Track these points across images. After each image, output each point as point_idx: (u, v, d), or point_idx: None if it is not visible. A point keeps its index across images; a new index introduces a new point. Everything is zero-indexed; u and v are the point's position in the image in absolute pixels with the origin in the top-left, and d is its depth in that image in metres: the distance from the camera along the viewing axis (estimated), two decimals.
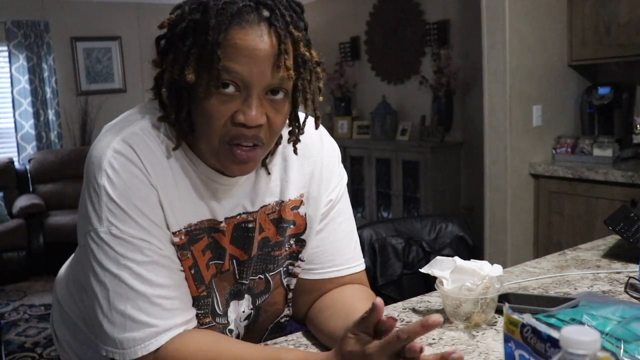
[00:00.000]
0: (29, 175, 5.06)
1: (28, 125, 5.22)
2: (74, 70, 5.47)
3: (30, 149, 5.24)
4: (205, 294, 0.96)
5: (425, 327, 0.71)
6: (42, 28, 5.15)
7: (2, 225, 4.42)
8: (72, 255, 1.15)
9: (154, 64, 0.89)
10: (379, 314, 0.76)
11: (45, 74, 5.22)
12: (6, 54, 5.10)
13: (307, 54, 0.87)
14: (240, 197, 0.98)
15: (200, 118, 0.85)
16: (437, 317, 0.71)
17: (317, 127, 0.98)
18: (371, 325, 0.77)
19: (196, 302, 0.95)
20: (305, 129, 0.99)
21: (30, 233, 4.47)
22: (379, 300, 0.75)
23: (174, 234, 0.90)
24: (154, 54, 0.90)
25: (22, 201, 4.64)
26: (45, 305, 3.86)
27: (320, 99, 0.94)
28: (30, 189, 5.06)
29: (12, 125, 5.21)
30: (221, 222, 0.96)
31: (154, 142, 0.88)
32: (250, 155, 0.87)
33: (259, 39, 0.81)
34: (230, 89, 0.83)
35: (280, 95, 0.86)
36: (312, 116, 0.95)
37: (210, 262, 0.96)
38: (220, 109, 0.83)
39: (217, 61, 0.80)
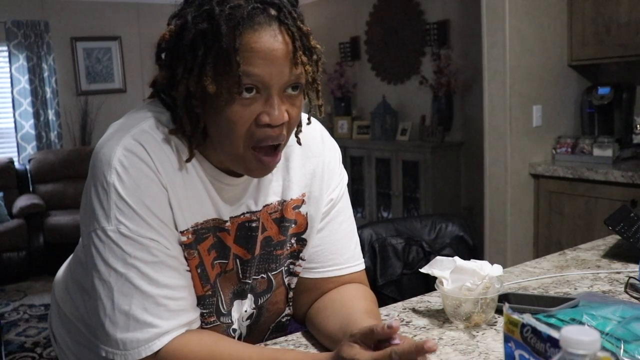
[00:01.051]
0: (29, 175, 5.06)
1: (28, 125, 5.22)
2: (74, 70, 5.47)
3: (30, 149, 5.24)
4: (210, 293, 0.96)
5: (420, 352, 0.72)
6: (42, 28, 5.15)
7: (2, 225, 4.42)
8: (71, 256, 1.14)
9: (161, 77, 0.88)
10: (389, 335, 0.76)
11: (45, 74, 5.22)
12: (6, 54, 5.10)
13: (318, 46, 0.89)
14: (245, 196, 0.98)
15: (221, 125, 0.85)
16: (433, 344, 0.72)
17: (321, 113, 0.99)
18: (373, 340, 0.78)
19: (201, 301, 0.95)
20: (307, 129, 0.99)
21: (30, 233, 4.47)
22: (396, 324, 0.76)
23: (181, 233, 0.90)
24: (154, 58, 0.89)
25: (22, 201, 4.64)
26: (45, 305, 3.86)
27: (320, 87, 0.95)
28: (30, 189, 5.05)
29: (12, 125, 5.20)
30: (226, 221, 0.96)
31: (163, 140, 0.88)
32: (275, 160, 0.89)
33: (273, 40, 0.81)
34: (252, 93, 0.83)
35: (297, 91, 0.87)
36: (318, 105, 0.95)
37: (215, 262, 0.96)
38: (244, 113, 0.83)
39: (237, 67, 0.79)
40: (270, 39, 0.81)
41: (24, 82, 5.14)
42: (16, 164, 5.07)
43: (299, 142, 0.99)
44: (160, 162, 0.87)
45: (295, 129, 0.97)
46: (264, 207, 1.00)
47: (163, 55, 0.88)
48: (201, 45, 0.81)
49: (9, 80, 5.13)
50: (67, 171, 5.02)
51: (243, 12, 0.80)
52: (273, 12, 0.82)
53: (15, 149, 5.26)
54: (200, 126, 0.86)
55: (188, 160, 0.89)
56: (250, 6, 0.81)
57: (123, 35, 5.61)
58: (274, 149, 0.88)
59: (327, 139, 1.08)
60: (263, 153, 0.87)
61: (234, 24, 0.80)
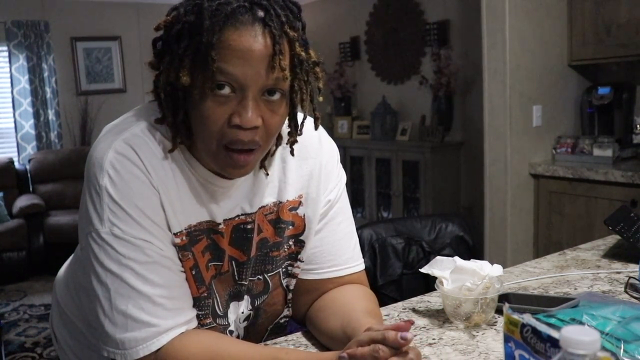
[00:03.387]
0: (29, 175, 5.06)
1: (28, 125, 5.21)
2: (74, 70, 5.46)
3: (30, 149, 5.24)
4: (205, 294, 0.96)
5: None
6: (42, 28, 5.15)
7: (2, 225, 4.42)
8: (71, 256, 1.15)
9: (151, 66, 0.88)
10: (401, 345, 0.77)
11: (45, 74, 5.22)
12: (6, 54, 5.10)
13: (303, 54, 0.87)
14: (239, 198, 0.98)
15: (196, 120, 0.85)
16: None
17: (316, 127, 0.98)
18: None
19: (197, 302, 0.95)
20: (304, 130, 0.99)
21: (30, 233, 4.47)
22: (410, 337, 0.77)
23: (175, 234, 0.90)
24: (152, 56, 0.90)
25: (22, 201, 4.63)
26: (45, 305, 3.86)
27: (320, 99, 0.94)
28: (30, 189, 5.05)
29: (12, 125, 5.20)
30: (220, 223, 0.96)
31: (154, 143, 0.88)
32: (248, 159, 0.87)
33: (253, 40, 0.81)
34: (226, 90, 0.82)
35: (276, 96, 0.85)
36: (310, 117, 0.95)
37: (210, 264, 0.96)
38: (216, 110, 0.83)
39: (212, 63, 0.80)
40: (250, 39, 0.81)
41: (24, 82, 5.14)
42: (16, 164, 5.07)
43: (292, 153, 0.98)
44: (152, 164, 0.87)
45: (289, 138, 0.96)
46: (259, 208, 1.00)
47: (158, 45, 0.88)
48: (185, 37, 0.82)
49: (9, 80, 5.13)
50: (67, 171, 5.02)
51: (228, 8, 0.80)
52: (260, 13, 0.82)
53: (15, 149, 5.26)
54: (180, 116, 0.86)
55: (171, 151, 0.89)
56: (236, 4, 0.81)
57: (123, 35, 5.61)
58: (248, 149, 0.86)
59: (325, 140, 1.07)
60: (236, 152, 0.86)
61: (216, 20, 0.80)
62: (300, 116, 0.96)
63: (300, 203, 1.03)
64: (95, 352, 1.03)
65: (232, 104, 0.83)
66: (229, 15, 0.80)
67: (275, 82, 0.84)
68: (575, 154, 3.09)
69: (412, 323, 0.79)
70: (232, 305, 1.03)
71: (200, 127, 0.85)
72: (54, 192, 5.00)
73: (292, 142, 0.97)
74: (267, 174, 1.00)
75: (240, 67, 0.81)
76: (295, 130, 0.96)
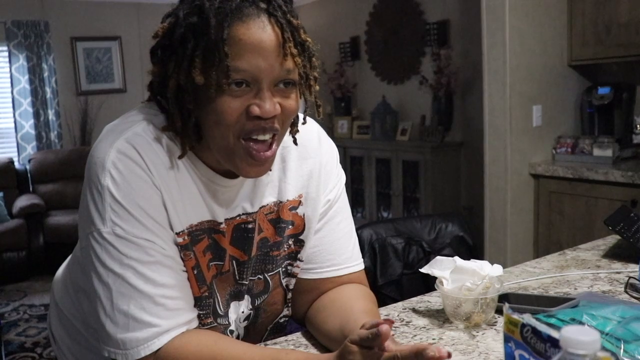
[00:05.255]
0: (29, 175, 5.06)
1: (28, 125, 5.21)
2: (74, 70, 5.47)
3: (30, 149, 5.24)
4: (207, 294, 0.96)
5: (419, 357, 0.73)
6: (42, 28, 5.15)
7: (2, 225, 4.42)
8: (69, 257, 1.14)
9: (153, 75, 0.88)
10: (383, 339, 0.76)
11: (45, 74, 5.22)
12: (6, 54, 5.10)
13: (307, 40, 0.89)
14: (240, 198, 0.98)
15: (211, 118, 0.85)
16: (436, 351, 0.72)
17: (319, 115, 0.98)
18: (374, 342, 0.78)
19: (198, 302, 0.95)
20: (304, 130, 0.99)
21: (30, 233, 4.47)
22: (385, 328, 0.75)
23: (177, 234, 0.90)
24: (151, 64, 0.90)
25: (22, 201, 4.63)
26: (45, 305, 3.86)
27: (317, 87, 0.94)
28: (30, 189, 5.05)
29: (12, 125, 5.20)
30: (221, 223, 0.96)
31: (156, 143, 0.88)
32: (268, 156, 0.88)
33: (261, 31, 0.82)
34: (241, 86, 0.83)
35: (290, 85, 0.87)
36: (314, 104, 0.95)
37: (211, 263, 0.96)
38: (233, 104, 0.83)
39: (225, 58, 0.80)
40: (259, 31, 0.82)
41: (24, 82, 5.14)
42: (16, 164, 5.07)
43: (295, 143, 0.99)
44: (153, 164, 0.87)
45: (291, 128, 0.96)
46: (260, 208, 1.00)
47: (158, 52, 0.88)
48: (191, 39, 0.82)
49: (9, 80, 5.13)
50: (67, 171, 5.03)
51: (232, 4, 0.81)
52: (262, 4, 0.83)
53: (15, 149, 5.26)
54: (191, 122, 0.86)
55: (181, 157, 0.89)
56: None
57: (123, 35, 5.61)
58: (267, 144, 0.87)
59: (324, 140, 1.08)
60: (254, 144, 0.86)
61: (222, 16, 0.81)
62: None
63: (300, 202, 1.03)
64: (93, 352, 1.03)
65: (247, 96, 0.84)
66: (234, 10, 0.81)
67: (287, 72, 0.85)
68: (575, 154, 3.09)
69: (393, 322, 0.78)
70: (233, 304, 1.03)
71: (216, 123, 0.85)
72: (54, 192, 5.00)
73: (294, 132, 0.97)
74: (270, 170, 1.00)
75: (253, 62, 0.82)
76: (298, 119, 0.97)
